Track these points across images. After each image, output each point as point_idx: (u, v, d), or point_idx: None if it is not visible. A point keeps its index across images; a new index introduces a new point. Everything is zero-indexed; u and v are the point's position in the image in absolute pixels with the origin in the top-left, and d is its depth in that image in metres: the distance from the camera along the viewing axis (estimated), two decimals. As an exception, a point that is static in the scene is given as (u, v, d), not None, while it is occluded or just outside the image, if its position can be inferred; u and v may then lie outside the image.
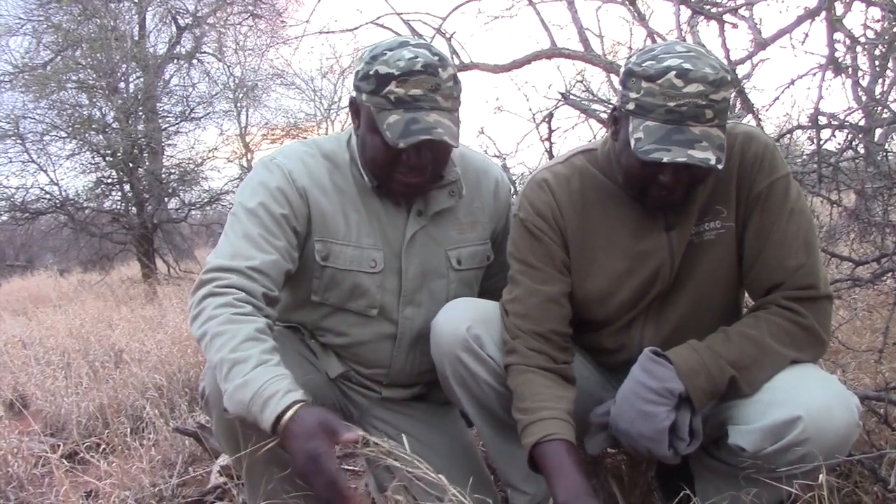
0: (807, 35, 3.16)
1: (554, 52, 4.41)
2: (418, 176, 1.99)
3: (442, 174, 2.09)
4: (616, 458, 2.45)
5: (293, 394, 1.71)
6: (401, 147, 1.88)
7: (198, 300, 1.87)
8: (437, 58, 1.92)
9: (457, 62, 4.46)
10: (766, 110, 3.57)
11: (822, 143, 3.20)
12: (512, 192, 3.80)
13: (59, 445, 3.43)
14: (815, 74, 3.16)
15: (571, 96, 4.08)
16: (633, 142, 1.70)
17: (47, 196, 11.41)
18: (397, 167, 1.98)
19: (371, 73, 1.92)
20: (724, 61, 3.26)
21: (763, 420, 1.69)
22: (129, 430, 3.41)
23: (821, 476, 1.53)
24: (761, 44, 3.11)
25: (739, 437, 1.73)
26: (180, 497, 2.86)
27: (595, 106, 4.14)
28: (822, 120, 3.17)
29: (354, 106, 2.05)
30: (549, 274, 1.96)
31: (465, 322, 1.98)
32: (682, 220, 1.89)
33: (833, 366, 2.84)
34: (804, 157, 3.58)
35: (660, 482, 2.28)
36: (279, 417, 1.67)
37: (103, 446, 3.28)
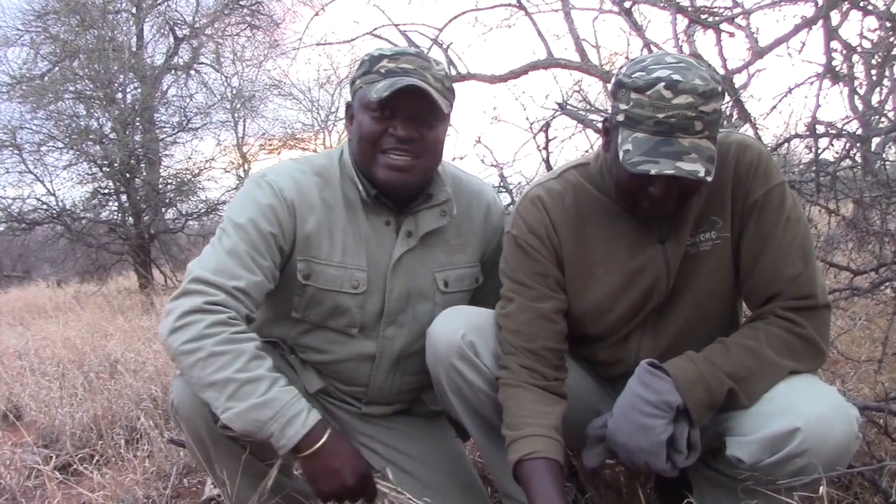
0: (804, 44, 3.17)
1: (551, 63, 4.42)
2: (404, 151, 1.97)
3: (429, 168, 2.07)
4: (614, 470, 2.43)
5: (314, 414, 1.84)
6: (385, 96, 1.89)
7: (182, 312, 1.85)
8: (432, 58, 2.02)
9: (454, 73, 4.47)
10: (764, 118, 3.56)
11: (819, 151, 3.19)
12: (510, 201, 3.80)
13: (52, 457, 3.40)
14: (812, 83, 3.16)
15: (568, 106, 4.08)
16: (621, 154, 1.68)
17: (44, 206, 11.38)
18: (384, 143, 1.97)
19: (365, 59, 2.00)
20: (721, 70, 3.27)
21: (761, 431, 1.68)
22: (123, 441, 3.38)
23: (821, 488, 1.51)
24: (758, 52, 3.11)
25: (738, 449, 1.72)
26: (174, 509, 2.84)
27: (592, 116, 4.14)
28: (820, 129, 3.17)
29: (350, 110, 2.07)
30: (542, 291, 1.94)
31: (460, 329, 1.96)
32: (677, 231, 1.87)
33: (832, 376, 2.82)
34: (801, 165, 3.58)
35: (658, 494, 2.26)
36: (308, 435, 1.81)
37: (97, 458, 3.26)
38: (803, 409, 1.64)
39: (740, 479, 1.72)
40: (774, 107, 3.43)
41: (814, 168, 3.17)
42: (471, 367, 1.96)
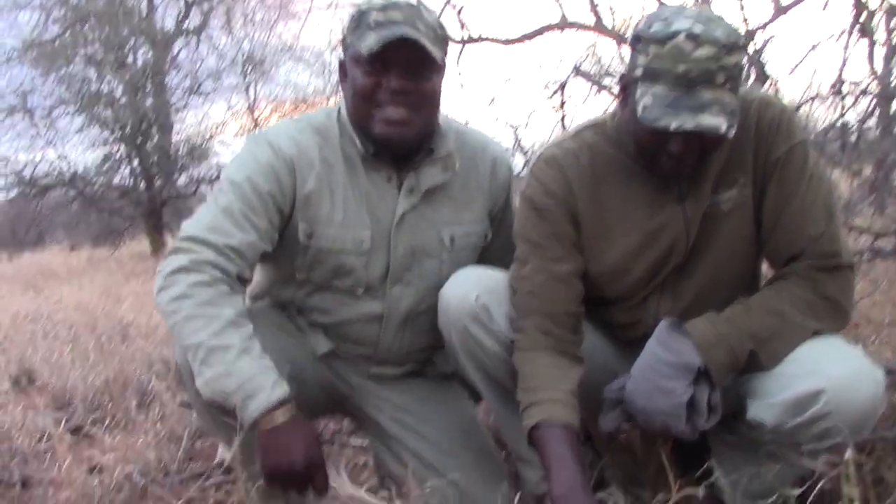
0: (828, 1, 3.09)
1: (564, 24, 4.35)
2: (400, 104, 1.91)
3: (428, 121, 2.01)
4: (631, 435, 2.40)
5: (279, 390, 1.78)
6: (376, 50, 1.84)
7: (170, 271, 1.84)
8: (424, 7, 1.95)
9: (467, 35, 4.41)
10: (790, 73, 3.48)
11: (844, 111, 3.13)
12: (524, 164, 3.75)
13: (64, 420, 3.41)
14: (838, 39, 3.08)
15: (583, 69, 4.02)
16: (640, 109, 1.62)
17: (56, 171, 11.42)
18: (379, 97, 1.92)
19: (354, 13, 1.94)
20: (742, 28, 3.20)
21: (784, 393, 1.63)
22: (135, 404, 3.38)
23: (848, 451, 1.47)
24: (782, 9, 3.04)
25: (760, 411, 1.68)
26: (186, 471, 2.83)
27: (606, 80, 4.08)
28: (846, 88, 3.10)
29: (343, 67, 2.03)
30: (558, 253, 1.89)
31: (473, 291, 1.92)
32: (696, 190, 1.82)
33: (854, 339, 2.78)
34: (824, 125, 3.51)
35: (676, 458, 2.23)
36: (268, 411, 1.76)
37: (109, 421, 3.26)
38: (828, 371, 1.59)
39: (761, 443, 1.69)
40: (798, 65, 3.35)
41: (839, 126, 3.11)
42: (484, 330, 1.93)
